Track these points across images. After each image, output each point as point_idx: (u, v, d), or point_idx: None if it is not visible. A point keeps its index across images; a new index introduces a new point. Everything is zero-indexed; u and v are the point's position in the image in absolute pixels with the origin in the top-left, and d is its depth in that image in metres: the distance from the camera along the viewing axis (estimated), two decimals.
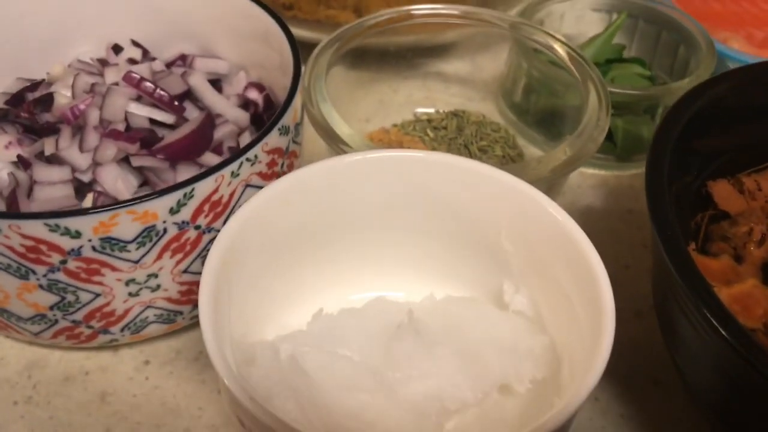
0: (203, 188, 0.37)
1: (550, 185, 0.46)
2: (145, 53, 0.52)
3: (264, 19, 0.48)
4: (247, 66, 0.51)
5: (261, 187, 0.40)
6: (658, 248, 0.34)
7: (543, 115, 0.57)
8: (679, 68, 0.61)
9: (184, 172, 0.44)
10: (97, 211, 0.35)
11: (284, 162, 0.43)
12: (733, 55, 0.59)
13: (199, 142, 0.44)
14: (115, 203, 0.35)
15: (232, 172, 0.38)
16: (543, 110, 0.57)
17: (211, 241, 0.38)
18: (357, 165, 0.40)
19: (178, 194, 0.36)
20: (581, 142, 0.46)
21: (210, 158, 0.45)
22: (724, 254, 0.39)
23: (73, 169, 0.43)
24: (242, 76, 0.51)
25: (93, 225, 0.35)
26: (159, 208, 0.36)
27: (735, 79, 0.41)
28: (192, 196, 0.37)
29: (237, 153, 0.38)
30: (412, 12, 0.54)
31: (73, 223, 0.35)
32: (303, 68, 0.49)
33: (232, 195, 0.39)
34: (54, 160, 0.43)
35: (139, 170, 0.44)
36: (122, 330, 0.41)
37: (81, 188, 0.43)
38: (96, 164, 0.43)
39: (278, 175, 0.42)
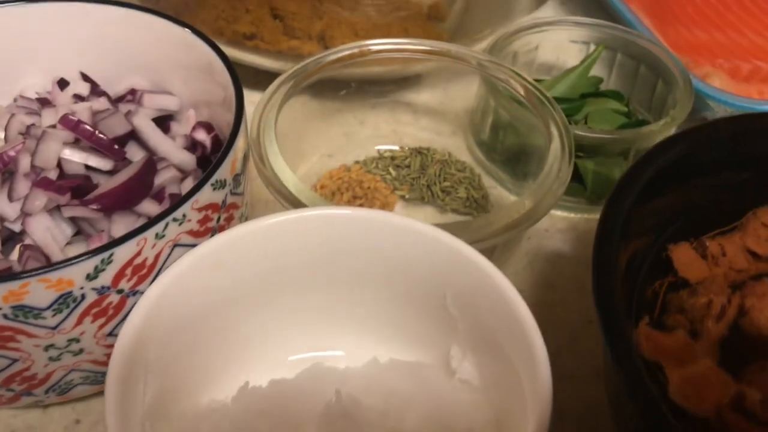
0: (123, 253, 0.35)
1: (509, 237, 0.44)
2: (94, 87, 0.50)
3: (206, 52, 0.45)
4: (197, 102, 0.49)
5: (192, 246, 0.37)
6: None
7: (509, 155, 0.55)
8: (657, 104, 0.59)
9: (120, 222, 0.42)
10: (4, 281, 0.33)
11: (221, 216, 0.40)
12: (711, 94, 0.56)
13: (137, 190, 0.42)
14: (24, 272, 0.33)
15: (157, 234, 0.36)
16: (510, 149, 0.55)
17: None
18: (290, 224, 0.38)
19: (95, 260, 0.34)
20: (540, 194, 0.44)
21: (148, 206, 0.42)
22: (679, 329, 0.37)
23: (2, 219, 0.41)
24: (192, 114, 0.48)
25: (2, 294, 0.33)
26: (74, 275, 0.34)
27: (693, 138, 0.38)
28: (111, 261, 0.35)
29: (161, 214, 0.36)
30: (373, 48, 0.52)
31: None
32: (258, 99, 0.47)
33: (157, 257, 0.37)
34: None
35: (73, 219, 0.42)
36: (47, 392, 0.39)
37: (12, 236, 0.41)
38: (25, 214, 0.41)
39: (214, 231, 0.40)
